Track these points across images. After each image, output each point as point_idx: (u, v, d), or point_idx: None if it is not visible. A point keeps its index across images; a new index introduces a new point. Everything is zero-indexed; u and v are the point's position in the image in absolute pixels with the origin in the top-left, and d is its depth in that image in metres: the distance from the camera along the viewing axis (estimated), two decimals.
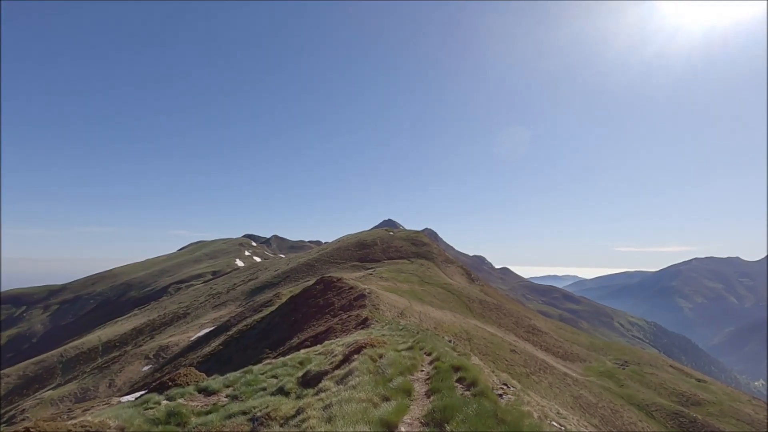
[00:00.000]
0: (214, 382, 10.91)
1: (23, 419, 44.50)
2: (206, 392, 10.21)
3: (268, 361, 13.45)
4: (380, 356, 10.12)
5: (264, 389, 9.93)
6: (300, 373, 10.77)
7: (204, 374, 13.07)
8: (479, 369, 9.98)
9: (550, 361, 42.60)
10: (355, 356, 10.20)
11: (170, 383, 11.80)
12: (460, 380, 8.33)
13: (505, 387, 10.34)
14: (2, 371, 74.82)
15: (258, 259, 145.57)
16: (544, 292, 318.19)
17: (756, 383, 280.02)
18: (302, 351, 16.33)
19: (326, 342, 18.81)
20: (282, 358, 13.88)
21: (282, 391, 9.24)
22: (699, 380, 53.49)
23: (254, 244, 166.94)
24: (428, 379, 8.72)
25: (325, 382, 8.60)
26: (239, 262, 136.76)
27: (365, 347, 10.92)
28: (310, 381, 9.65)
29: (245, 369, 12.44)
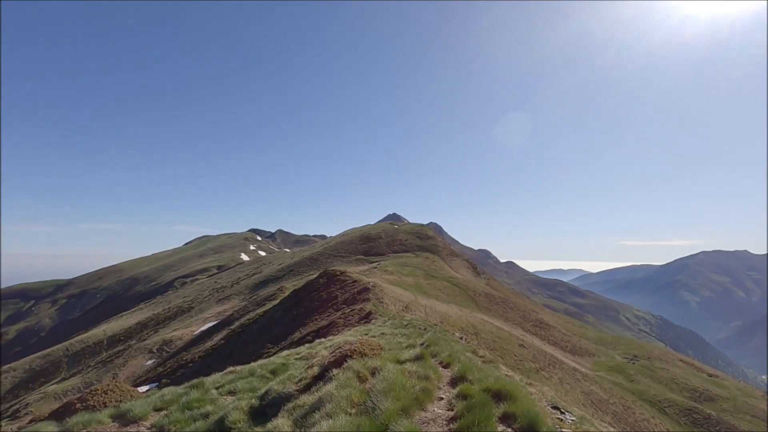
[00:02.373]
0: (141, 404, 7.66)
1: (27, 413, 44.43)
2: (124, 419, 7.18)
3: (230, 369, 10.31)
4: (373, 372, 6.48)
5: (206, 416, 7.01)
6: (263, 390, 7.59)
7: (135, 390, 9.56)
8: (527, 394, 6.21)
9: (558, 355, 41.68)
10: (335, 371, 6.78)
11: (79, 405, 8.51)
12: (505, 418, 4.95)
13: (560, 416, 7.20)
14: (10, 365, 75.19)
15: (263, 254, 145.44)
16: (549, 286, 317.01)
17: (763, 377, 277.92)
18: (284, 353, 13.51)
19: (316, 341, 15.87)
20: (253, 364, 10.92)
21: (222, 426, 6.42)
22: (710, 375, 52.39)
23: (259, 238, 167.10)
24: (453, 419, 5.01)
25: (280, 420, 5.52)
26: (244, 257, 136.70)
27: (352, 356, 7.28)
28: (267, 408, 6.81)
29: (193, 382, 8.96)
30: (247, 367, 10.35)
